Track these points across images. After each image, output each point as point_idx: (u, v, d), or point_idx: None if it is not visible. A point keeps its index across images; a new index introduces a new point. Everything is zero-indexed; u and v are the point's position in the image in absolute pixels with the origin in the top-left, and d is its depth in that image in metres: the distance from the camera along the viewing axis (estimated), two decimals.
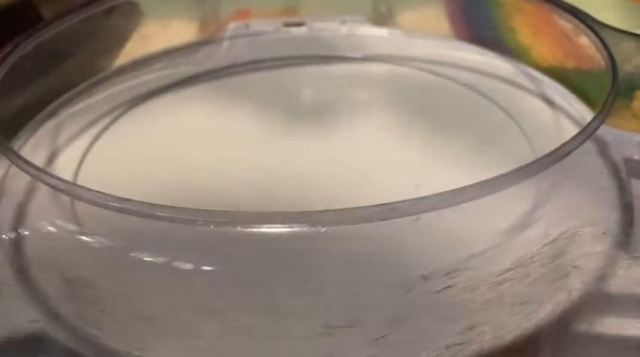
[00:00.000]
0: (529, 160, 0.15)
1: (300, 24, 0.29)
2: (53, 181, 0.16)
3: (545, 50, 0.27)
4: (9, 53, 0.21)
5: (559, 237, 0.17)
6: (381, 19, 0.30)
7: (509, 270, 0.16)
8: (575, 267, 0.16)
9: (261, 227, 0.14)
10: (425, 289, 0.16)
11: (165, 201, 0.14)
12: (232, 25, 0.29)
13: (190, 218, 0.14)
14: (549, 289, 0.16)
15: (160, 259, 0.16)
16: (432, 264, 0.16)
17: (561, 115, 0.23)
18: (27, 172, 0.16)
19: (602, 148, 0.20)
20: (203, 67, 0.27)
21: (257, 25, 0.29)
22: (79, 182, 0.19)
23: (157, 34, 0.30)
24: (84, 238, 0.17)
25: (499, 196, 0.15)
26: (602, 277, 0.16)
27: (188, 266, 0.16)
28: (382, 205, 0.14)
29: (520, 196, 0.18)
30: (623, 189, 0.19)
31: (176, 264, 0.16)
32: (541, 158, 0.15)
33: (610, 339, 0.16)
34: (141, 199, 0.14)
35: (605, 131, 0.20)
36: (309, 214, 0.14)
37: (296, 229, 0.14)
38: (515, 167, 0.15)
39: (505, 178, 0.15)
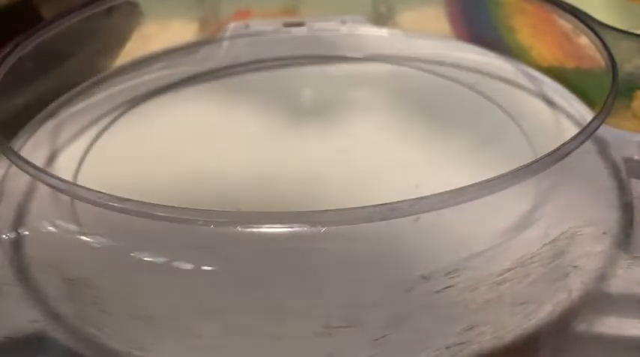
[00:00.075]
0: (529, 160, 0.15)
1: (300, 24, 0.29)
2: (53, 181, 0.16)
3: (545, 50, 0.27)
4: (9, 53, 0.21)
5: (559, 237, 0.17)
6: (381, 19, 0.30)
7: (509, 270, 0.16)
8: (575, 267, 0.16)
9: (261, 227, 0.14)
10: (425, 289, 0.16)
11: (165, 201, 0.14)
12: (232, 25, 0.29)
13: (190, 218, 0.14)
14: (549, 289, 0.16)
15: (160, 259, 0.16)
16: (432, 264, 0.16)
17: (561, 115, 0.23)
18: (27, 172, 0.16)
19: (602, 148, 0.20)
20: (203, 67, 0.27)
21: (257, 25, 0.29)
22: (79, 182, 0.19)
23: (157, 34, 0.30)
24: (84, 238, 0.17)
25: (499, 196, 0.15)
26: (602, 277, 0.16)
27: (188, 266, 0.16)
28: (382, 205, 0.14)
29: (520, 196, 0.18)
30: (623, 189, 0.19)
31: (176, 264, 0.16)
32: (541, 158, 0.15)
33: (610, 339, 0.16)
34: (141, 199, 0.14)
35: (605, 131, 0.20)
36: (309, 214, 0.14)
37: (296, 229, 0.14)
38: (515, 167, 0.15)
39: (505, 178, 0.15)
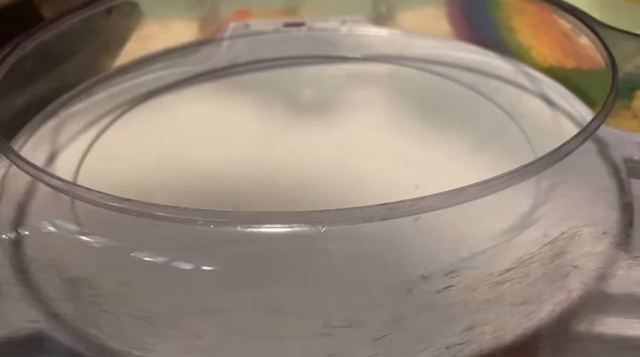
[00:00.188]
0: (529, 160, 0.15)
1: (300, 24, 0.29)
2: (53, 181, 0.16)
3: (545, 50, 0.27)
4: (9, 53, 0.21)
5: (559, 237, 0.17)
6: (381, 19, 0.30)
7: (509, 270, 0.16)
8: (575, 267, 0.16)
9: (261, 227, 0.14)
10: (425, 289, 0.16)
11: (165, 201, 0.14)
12: (232, 25, 0.29)
13: (190, 218, 0.14)
14: (549, 289, 0.16)
15: (160, 259, 0.16)
16: (432, 264, 0.16)
17: (561, 115, 0.23)
18: (27, 172, 0.16)
19: (602, 148, 0.20)
20: (203, 67, 0.27)
21: (257, 25, 0.29)
22: (79, 182, 0.19)
23: (157, 34, 0.30)
24: (84, 238, 0.17)
25: (499, 196, 0.15)
26: (602, 277, 0.16)
27: (188, 266, 0.16)
28: (382, 205, 0.14)
29: (520, 196, 0.18)
30: (623, 189, 0.19)
31: (176, 264, 0.16)
32: (541, 158, 0.15)
33: (610, 339, 0.16)
34: (141, 199, 0.14)
35: (605, 131, 0.20)
36: (309, 214, 0.14)
37: (296, 229, 0.14)
38: (515, 167, 0.15)
39: (505, 178, 0.15)
